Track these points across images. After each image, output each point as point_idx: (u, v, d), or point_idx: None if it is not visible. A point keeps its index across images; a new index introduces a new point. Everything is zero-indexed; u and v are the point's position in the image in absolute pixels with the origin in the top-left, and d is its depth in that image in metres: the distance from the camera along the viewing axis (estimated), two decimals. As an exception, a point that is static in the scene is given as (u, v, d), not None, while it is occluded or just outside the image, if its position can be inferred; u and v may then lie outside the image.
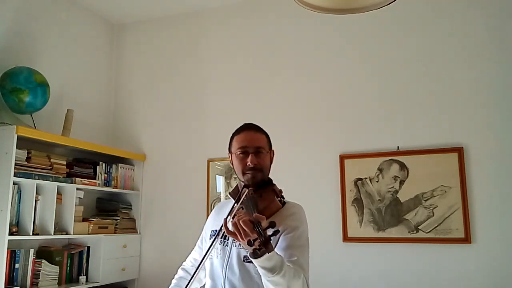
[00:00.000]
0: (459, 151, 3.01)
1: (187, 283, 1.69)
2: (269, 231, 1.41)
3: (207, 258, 1.66)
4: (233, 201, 1.79)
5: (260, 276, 1.49)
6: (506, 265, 2.84)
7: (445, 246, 2.97)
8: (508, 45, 3.02)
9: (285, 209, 1.72)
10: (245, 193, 1.60)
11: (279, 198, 1.73)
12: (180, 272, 1.98)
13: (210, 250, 1.64)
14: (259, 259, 1.40)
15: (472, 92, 3.07)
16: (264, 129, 1.80)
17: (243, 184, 1.74)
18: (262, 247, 1.37)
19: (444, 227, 2.98)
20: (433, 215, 3.01)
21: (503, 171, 2.93)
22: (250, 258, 1.43)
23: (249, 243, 1.40)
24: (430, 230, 3.00)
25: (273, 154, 1.81)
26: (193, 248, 1.99)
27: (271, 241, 1.40)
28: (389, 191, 3.15)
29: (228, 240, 1.69)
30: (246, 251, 1.60)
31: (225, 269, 1.68)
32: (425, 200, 3.05)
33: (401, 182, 3.13)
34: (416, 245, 3.04)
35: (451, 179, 3.01)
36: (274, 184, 1.74)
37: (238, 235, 1.46)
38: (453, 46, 3.16)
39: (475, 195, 2.95)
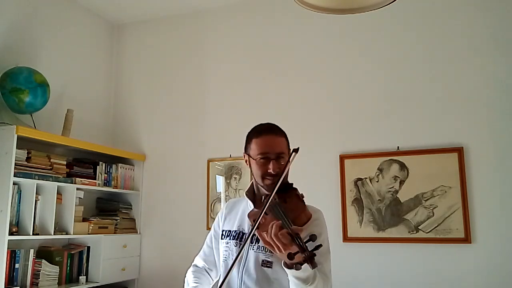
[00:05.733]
0: (459, 151, 3.01)
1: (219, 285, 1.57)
2: (310, 245, 1.35)
3: (235, 264, 1.55)
4: (246, 200, 1.74)
5: (279, 281, 1.46)
6: (506, 265, 2.84)
7: (445, 246, 2.97)
8: (509, 45, 3.02)
9: None
10: (270, 198, 1.52)
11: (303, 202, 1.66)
12: (191, 271, 1.88)
13: (239, 255, 1.55)
14: (293, 270, 1.36)
15: (472, 92, 3.07)
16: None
17: (261, 186, 1.69)
18: (306, 262, 1.32)
19: (444, 227, 2.98)
20: (433, 215, 3.01)
21: (503, 171, 2.93)
22: (285, 269, 1.39)
23: (290, 257, 1.34)
24: (430, 230, 3.00)
25: None
26: (201, 248, 1.93)
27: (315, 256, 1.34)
28: (389, 191, 3.15)
29: (243, 242, 1.62)
30: (264, 255, 1.57)
31: (241, 272, 1.64)
32: (425, 200, 3.05)
33: (401, 182, 3.13)
34: (416, 245, 3.04)
35: (451, 179, 3.01)
36: (296, 189, 1.68)
37: (276, 248, 1.40)
38: (453, 46, 3.16)
39: (475, 195, 2.95)
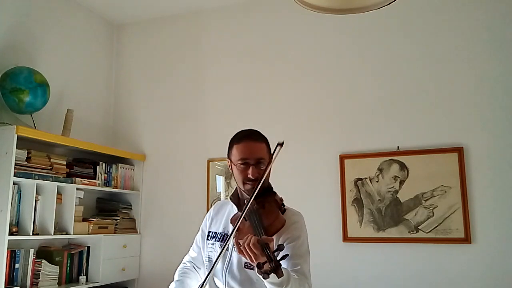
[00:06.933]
0: (459, 151, 3.01)
1: (201, 283, 1.64)
2: (278, 254, 1.41)
3: (215, 265, 1.63)
4: (231, 203, 1.79)
5: (261, 282, 1.50)
6: (506, 265, 2.84)
7: (445, 246, 2.97)
8: (509, 45, 3.02)
9: (286, 217, 1.70)
10: (248, 205, 1.57)
11: (280, 207, 1.71)
12: (180, 267, 1.94)
13: (218, 258, 1.61)
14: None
15: (472, 92, 3.07)
16: (264, 132, 1.78)
17: (242, 191, 1.74)
18: (272, 272, 1.37)
19: (444, 227, 2.98)
20: (433, 215, 3.01)
21: (503, 171, 2.93)
22: (259, 276, 1.43)
23: (259, 266, 1.40)
24: (430, 230, 3.00)
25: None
26: (191, 246, 1.97)
27: (281, 266, 1.39)
28: (389, 191, 3.15)
29: (228, 244, 1.69)
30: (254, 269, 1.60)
31: (224, 273, 1.69)
32: (425, 200, 3.05)
33: (401, 182, 3.13)
34: (416, 245, 3.04)
35: (451, 179, 3.01)
36: (275, 193, 1.73)
37: (247, 257, 1.46)
38: (453, 46, 3.16)
39: (475, 195, 2.96)
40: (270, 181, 1.78)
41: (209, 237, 1.82)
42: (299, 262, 1.60)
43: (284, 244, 1.61)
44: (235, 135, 1.78)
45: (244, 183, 1.70)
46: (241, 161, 1.70)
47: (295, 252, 1.61)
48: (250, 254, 1.44)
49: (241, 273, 1.65)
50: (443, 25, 3.21)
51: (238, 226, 1.56)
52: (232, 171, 1.77)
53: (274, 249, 1.42)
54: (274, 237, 1.60)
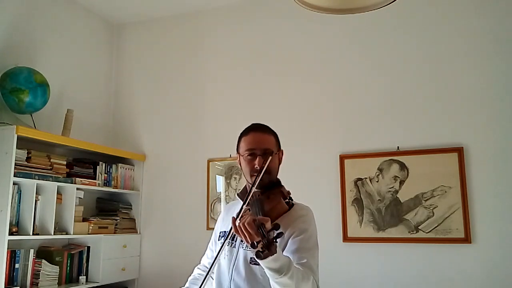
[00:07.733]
0: (459, 151, 3.01)
1: (200, 284, 1.66)
2: (273, 233, 1.40)
3: (217, 260, 1.63)
4: (242, 202, 1.79)
5: (266, 279, 1.49)
6: (506, 265, 2.84)
7: (445, 246, 2.97)
8: (509, 45, 3.02)
9: (294, 211, 1.70)
10: (251, 194, 1.57)
11: (286, 200, 1.71)
12: (195, 272, 1.96)
13: (220, 252, 1.61)
14: (265, 260, 1.39)
15: (472, 92, 3.07)
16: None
17: (249, 184, 1.73)
18: (265, 249, 1.36)
19: (444, 227, 2.98)
20: (433, 215, 3.01)
21: (503, 171, 2.93)
22: (256, 259, 1.42)
23: (253, 245, 1.39)
24: (430, 230, 3.00)
25: (282, 154, 1.78)
26: (205, 250, 1.98)
27: (275, 244, 1.37)
28: (389, 191, 3.15)
29: (235, 241, 1.69)
30: (252, 253, 1.59)
31: (231, 270, 1.68)
32: (425, 200, 3.05)
33: (401, 182, 3.13)
34: (416, 245, 3.04)
35: (451, 179, 3.01)
36: (282, 186, 1.72)
37: (243, 237, 1.45)
38: (453, 46, 3.16)
39: (475, 195, 2.96)
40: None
41: (219, 238, 1.83)
42: (305, 255, 1.57)
43: (291, 238, 1.61)
44: (244, 129, 1.79)
45: (251, 175, 1.69)
46: (248, 152, 1.69)
47: (302, 246, 1.59)
48: (245, 233, 1.42)
49: (246, 269, 1.64)
50: (443, 25, 3.21)
51: (242, 215, 1.55)
52: (240, 165, 1.76)
53: (270, 228, 1.40)
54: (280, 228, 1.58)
